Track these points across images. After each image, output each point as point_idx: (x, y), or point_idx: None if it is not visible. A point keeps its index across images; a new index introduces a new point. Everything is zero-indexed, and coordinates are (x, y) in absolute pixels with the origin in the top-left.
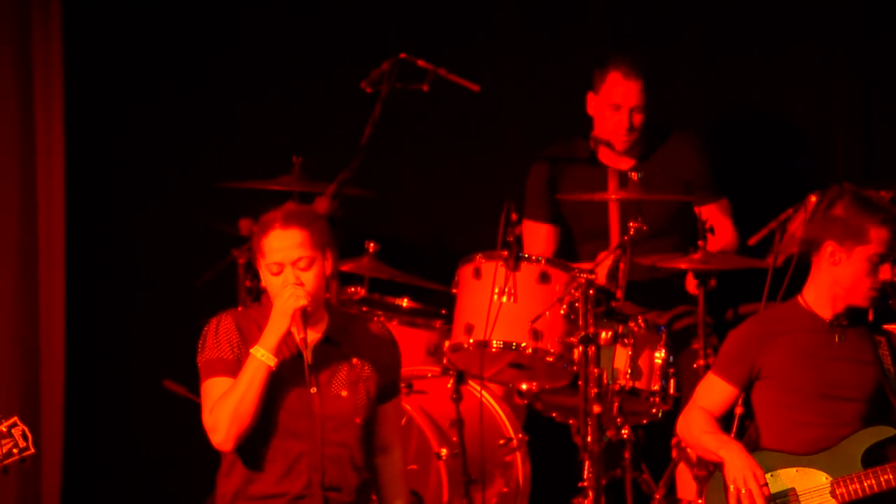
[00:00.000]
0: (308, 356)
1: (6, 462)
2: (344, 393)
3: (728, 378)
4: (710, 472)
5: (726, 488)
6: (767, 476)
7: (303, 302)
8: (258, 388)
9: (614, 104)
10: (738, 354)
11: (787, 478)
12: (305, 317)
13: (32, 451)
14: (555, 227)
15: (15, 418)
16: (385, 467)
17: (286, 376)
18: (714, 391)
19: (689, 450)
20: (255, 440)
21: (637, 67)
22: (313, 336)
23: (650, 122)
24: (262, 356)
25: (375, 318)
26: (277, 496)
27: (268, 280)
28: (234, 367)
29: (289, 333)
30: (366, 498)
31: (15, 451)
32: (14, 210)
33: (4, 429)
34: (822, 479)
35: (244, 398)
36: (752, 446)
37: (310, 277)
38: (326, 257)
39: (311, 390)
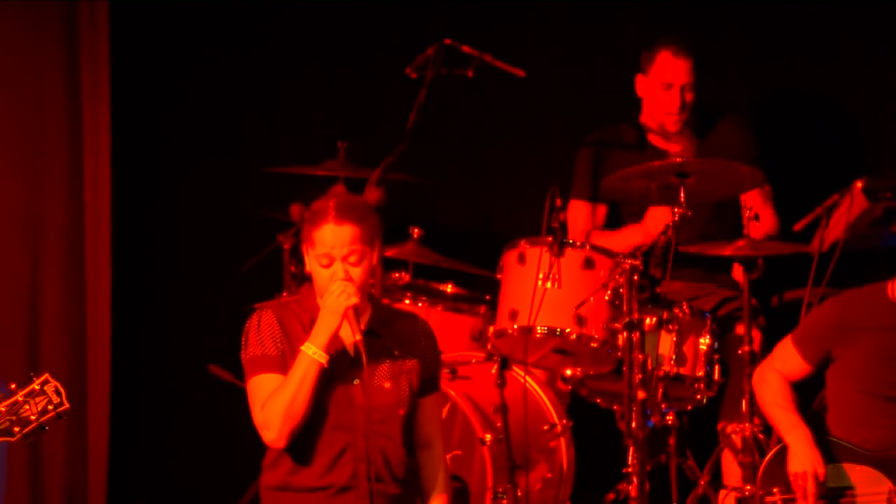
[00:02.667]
0: (363, 351)
1: (43, 419)
2: (387, 385)
3: (803, 354)
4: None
5: (787, 471)
6: (830, 467)
7: (354, 300)
8: (310, 386)
9: (666, 83)
10: (818, 336)
11: (850, 473)
12: (358, 315)
13: (67, 406)
14: (603, 205)
15: (46, 375)
16: (427, 462)
17: (330, 369)
18: (790, 360)
19: (733, 436)
20: (301, 433)
21: (686, 46)
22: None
23: (698, 106)
24: (314, 353)
25: (416, 312)
26: (323, 488)
27: (316, 270)
28: (279, 364)
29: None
30: (410, 488)
31: (50, 407)
32: (61, 196)
33: (37, 386)
34: (885, 484)
35: (296, 396)
36: (821, 417)
37: (359, 272)
38: (374, 248)
39: (355, 382)
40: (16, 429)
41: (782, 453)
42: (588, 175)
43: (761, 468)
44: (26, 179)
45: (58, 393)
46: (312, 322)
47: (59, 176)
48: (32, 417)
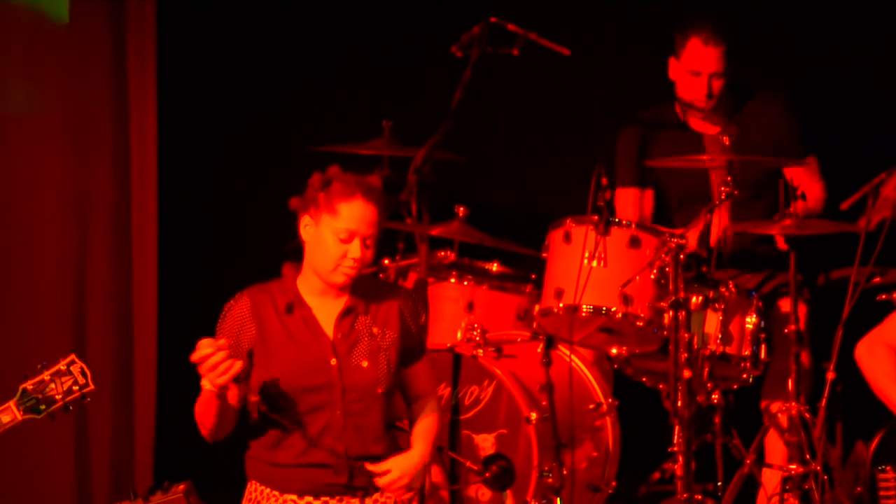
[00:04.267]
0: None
1: (68, 399)
2: (364, 363)
3: None
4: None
5: None
6: None
7: (210, 387)
8: (213, 412)
9: (693, 70)
10: None
11: None
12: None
13: (92, 387)
14: (649, 190)
15: (72, 356)
16: (419, 409)
17: (307, 350)
18: None
19: (779, 415)
20: (280, 412)
21: (718, 32)
22: (336, 306)
23: (735, 84)
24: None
25: (399, 283)
26: (303, 465)
27: (328, 241)
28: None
29: (309, 309)
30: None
31: (75, 388)
32: (107, 174)
33: (63, 367)
34: None
35: (203, 422)
36: None
37: (369, 255)
38: None
39: (331, 362)
40: (42, 407)
41: (894, 430)
42: (631, 160)
43: (872, 446)
44: (72, 157)
45: (83, 374)
46: (289, 306)
47: (106, 154)
48: (58, 397)
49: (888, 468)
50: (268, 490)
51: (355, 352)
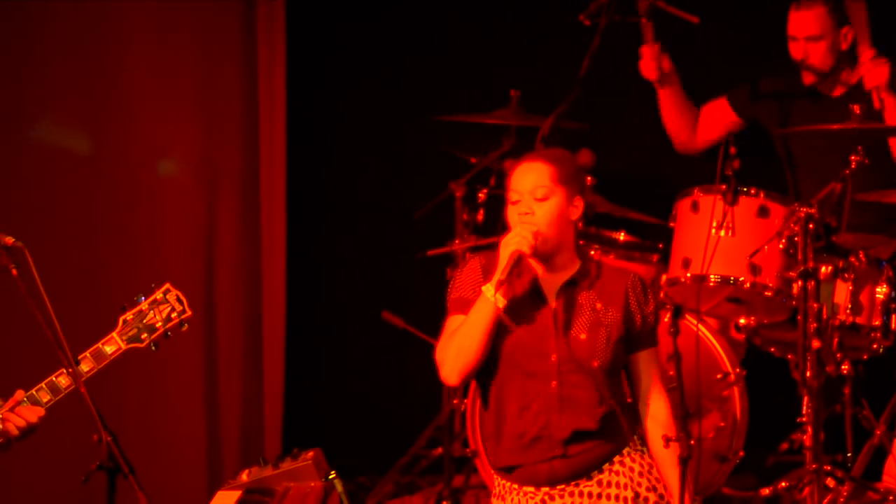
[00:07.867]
0: (502, 299)
1: (168, 326)
2: (583, 336)
3: None
4: None
5: None
6: None
7: (515, 247)
8: (483, 325)
9: (790, 35)
10: None
11: None
12: (516, 263)
13: (190, 313)
14: (740, 121)
15: (167, 284)
16: (647, 414)
17: (526, 316)
18: None
19: None
20: (495, 379)
21: None
22: (561, 278)
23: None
24: (488, 292)
25: (632, 272)
26: (516, 437)
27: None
28: (470, 306)
29: (535, 275)
30: (608, 438)
31: (174, 315)
32: (237, 142)
33: (160, 295)
34: None
35: (468, 334)
36: None
37: (544, 209)
38: (572, 202)
39: (550, 330)
40: (143, 335)
41: None
42: (746, 93)
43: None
44: (202, 125)
45: (180, 301)
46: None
47: (235, 122)
48: (158, 325)
49: None
50: (508, 484)
51: (576, 323)
